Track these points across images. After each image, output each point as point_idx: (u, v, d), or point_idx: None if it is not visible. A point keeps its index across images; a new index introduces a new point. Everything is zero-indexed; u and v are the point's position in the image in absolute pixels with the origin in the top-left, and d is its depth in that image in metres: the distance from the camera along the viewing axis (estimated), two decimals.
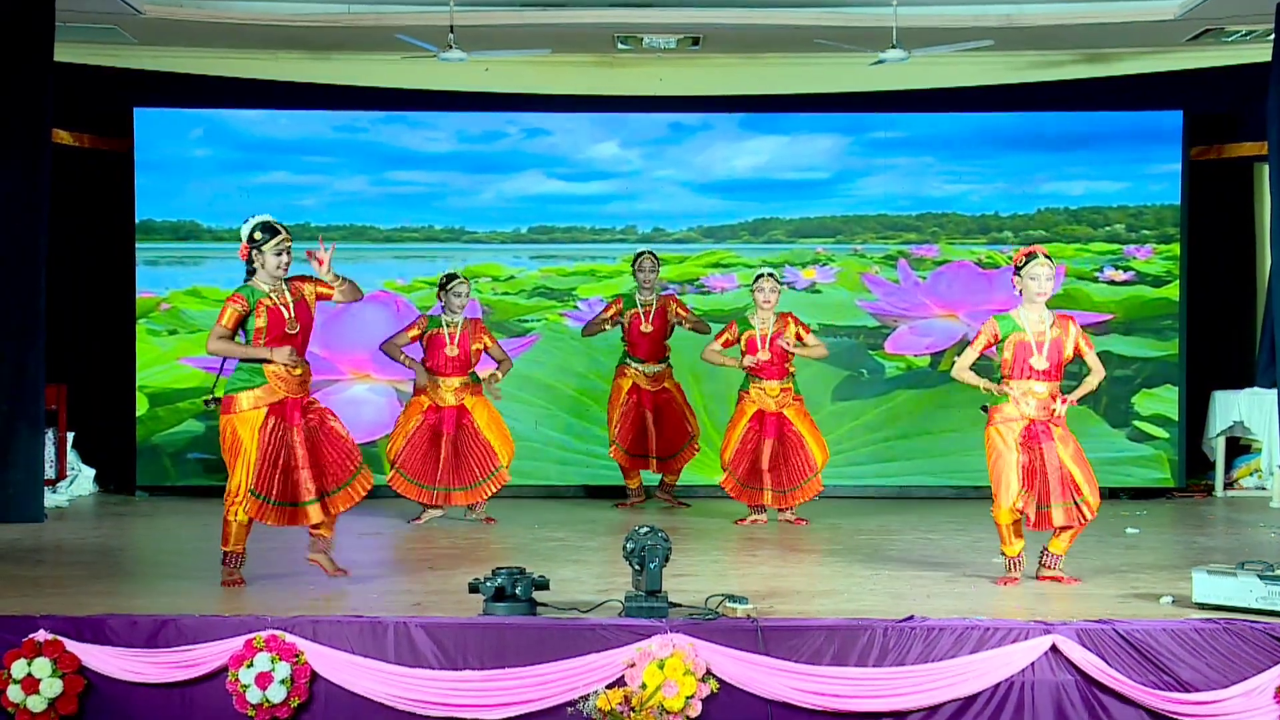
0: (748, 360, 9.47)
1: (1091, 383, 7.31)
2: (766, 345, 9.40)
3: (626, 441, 10.20)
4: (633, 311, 10.16)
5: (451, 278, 9.56)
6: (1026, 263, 7.15)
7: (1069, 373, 7.29)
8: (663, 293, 10.31)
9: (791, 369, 9.54)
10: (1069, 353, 7.19)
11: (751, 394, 9.50)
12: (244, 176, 11.30)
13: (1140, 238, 11.27)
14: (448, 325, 9.48)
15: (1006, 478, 7.10)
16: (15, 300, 9.38)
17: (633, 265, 10.28)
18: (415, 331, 9.52)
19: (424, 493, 9.46)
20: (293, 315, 7.01)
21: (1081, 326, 7.33)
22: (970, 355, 7.31)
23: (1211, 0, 9.81)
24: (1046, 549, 7.28)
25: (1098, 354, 7.41)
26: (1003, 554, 7.31)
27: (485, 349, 9.56)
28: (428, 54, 9.96)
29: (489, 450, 9.46)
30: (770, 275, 9.50)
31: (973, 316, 11.18)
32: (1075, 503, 7.10)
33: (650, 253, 10.30)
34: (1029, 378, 7.12)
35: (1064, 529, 7.17)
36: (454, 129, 11.46)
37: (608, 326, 10.29)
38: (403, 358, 9.53)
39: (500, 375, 9.59)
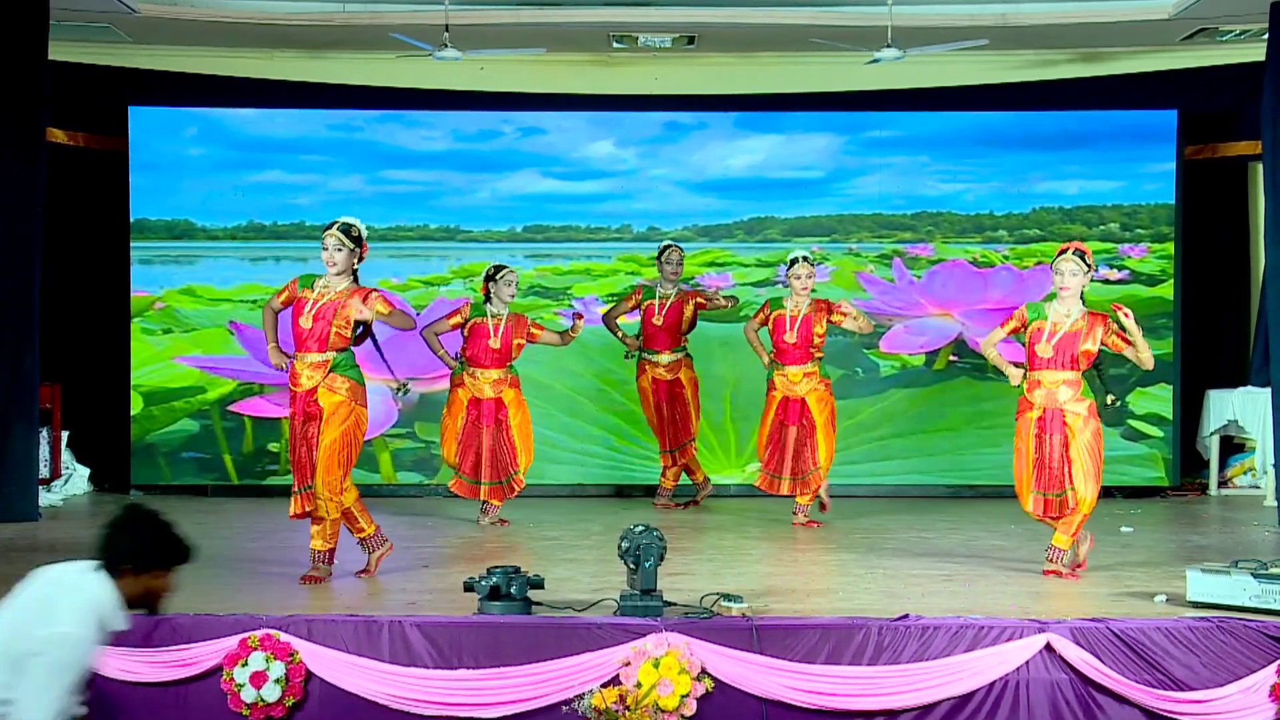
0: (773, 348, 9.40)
1: (1136, 350, 7.33)
2: (795, 328, 9.32)
3: (662, 440, 10.16)
4: (649, 302, 10.09)
5: (500, 268, 9.36)
6: (1056, 258, 7.39)
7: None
8: (684, 288, 10.22)
9: (818, 354, 9.40)
10: (1086, 345, 7.26)
11: (776, 382, 9.40)
12: (239, 175, 11.28)
13: (1135, 237, 11.28)
14: (492, 316, 9.27)
15: (1021, 477, 7.37)
16: (10, 299, 9.36)
17: (659, 257, 10.20)
18: (458, 319, 9.34)
19: (481, 490, 9.38)
20: (310, 311, 7.19)
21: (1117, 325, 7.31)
22: (998, 334, 7.57)
23: (1206, 0, 9.82)
24: (1050, 543, 7.33)
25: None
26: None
27: (533, 340, 9.39)
28: (423, 53, 9.95)
29: (513, 452, 9.35)
30: (804, 260, 9.38)
31: (967, 315, 11.19)
32: (1064, 492, 7.20)
33: (677, 245, 10.23)
34: (1036, 367, 7.29)
35: (1057, 519, 7.28)
36: (449, 128, 11.44)
37: (625, 314, 10.19)
38: (440, 351, 9.32)
39: (574, 334, 9.43)
